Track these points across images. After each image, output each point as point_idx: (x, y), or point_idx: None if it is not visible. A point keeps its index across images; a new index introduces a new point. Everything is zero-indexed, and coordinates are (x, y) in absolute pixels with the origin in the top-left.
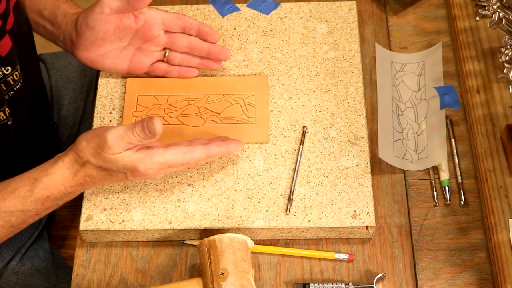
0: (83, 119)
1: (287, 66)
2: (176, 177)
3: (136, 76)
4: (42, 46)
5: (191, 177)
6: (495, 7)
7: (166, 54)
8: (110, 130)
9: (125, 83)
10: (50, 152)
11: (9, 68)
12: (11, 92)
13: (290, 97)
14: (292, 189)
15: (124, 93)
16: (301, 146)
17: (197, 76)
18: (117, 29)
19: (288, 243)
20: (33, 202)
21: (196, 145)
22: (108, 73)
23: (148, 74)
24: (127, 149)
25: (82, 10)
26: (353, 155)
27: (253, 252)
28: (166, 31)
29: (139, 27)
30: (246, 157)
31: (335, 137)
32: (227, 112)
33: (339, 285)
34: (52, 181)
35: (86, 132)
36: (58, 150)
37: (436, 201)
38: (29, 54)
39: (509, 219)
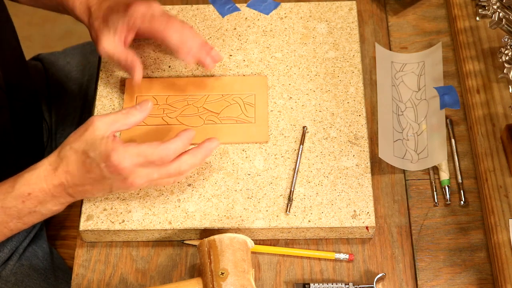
0: (82, 119)
1: (287, 66)
2: None
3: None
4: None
5: (191, 177)
6: (495, 7)
7: None
8: (97, 116)
9: (125, 83)
10: (38, 151)
11: None
12: None
13: (290, 97)
14: (292, 189)
15: (124, 92)
16: (301, 146)
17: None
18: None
19: (288, 243)
20: (13, 198)
21: (169, 140)
22: (108, 73)
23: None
24: (108, 132)
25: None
26: (353, 155)
27: (253, 252)
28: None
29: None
30: (246, 157)
31: (335, 137)
32: (226, 112)
33: (339, 285)
34: (33, 176)
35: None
36: (50, 147)
37: (436, 201)
38: (6, 39)
39: (509, 219)
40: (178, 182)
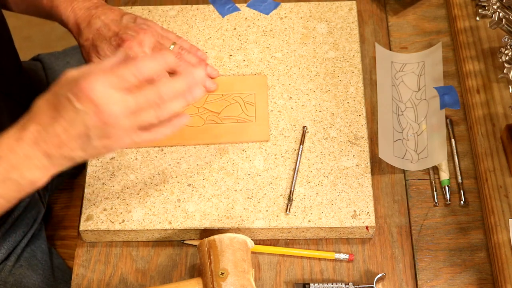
0: None
1: (287, 66)
2: (176, 177)
3: None
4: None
5: (191, 177)
6: (495, 7)
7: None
8: None
9: None
10: None
11: None
12: None
13: (290, 97)
14: (292, 189)
15: None
16: (301, 146)
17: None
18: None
19: (288, 243)
20: None
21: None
22: None
23: None
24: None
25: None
26: (353, 155)
27: (253, 252)
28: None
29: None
30: (246, 157)
31: (335, 137)
32: (226, 111)
33: (339, 285)
34: (3, 138)
35: None
36: None
37: (436, 201)
38: (1, 40)
39: (509, 219)
40: (178, 182)
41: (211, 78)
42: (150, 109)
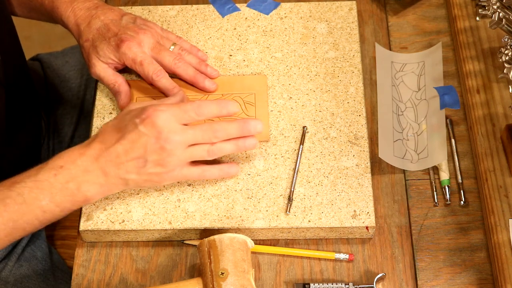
0: (81, 118)
1: (287, 66)
2: None
3: (135, 79)
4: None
5: None
6: (495, 7)
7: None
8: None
9: None
10: (35, 148)
11: None
12: None
13: (290, 97)
14: (292, 189)
15: None
16: (301, 146)
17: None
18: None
19: (288, 243)
20: (46, 171)
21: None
22: None
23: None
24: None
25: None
26: (353, 155)
27: (253, 252)
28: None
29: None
30: (246, 157)
31: (335, 137)
32: None
33: (339, 285)
34: (67, 151)
35: None
36: (47, 145)
37: (436, 201)
38: (5, 30)
39: (509, 219)
40: (178, 182)
41: (211, 78)
42: (204, 145)
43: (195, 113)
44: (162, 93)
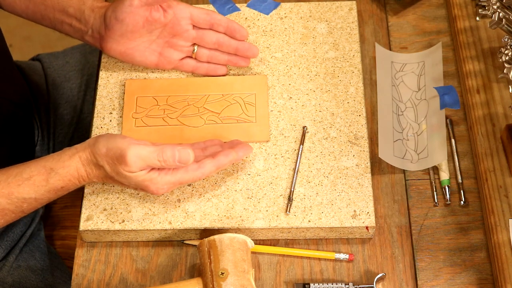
0: (81, 118)
1: (287, 66)
2: None
3: (136, 77)
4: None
5: None
6: (495, 7)
7: (195, 50)
8: (132, 146)
9: (125, 84)
10: (29, 149)
11: None
12: None
13: (290, 97)
14: (292, 189)
15: (124, 93)
16: (301, 146)
17: (225, 75)
18: (146, 22)
19: (288, 243)
20: (47, 192)
21: (204, 160)
22: (108, 73)
23: (176, 70)
24: (142, 169)
25: (110, 4)
26: (353, 155)
27: (253, 252)
28: (195, 27)
29: (168, 21)
30: (246, 157)
31: (335, 137)
32: (227, 111)
33: (339, 285)
34: (68, 174)
35: (106, 137)
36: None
37: (436, 201)
38: None
39: (509, 219)
40: None
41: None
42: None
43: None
44: (161, 92)
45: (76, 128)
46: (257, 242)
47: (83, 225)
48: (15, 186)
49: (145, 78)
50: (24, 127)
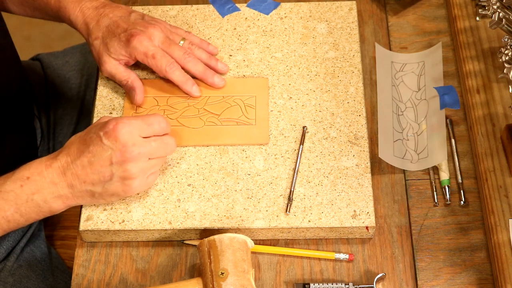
0: (80, 118)
1: (287, 66)
2: (176, 177)
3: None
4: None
5: (191, 177)
6: (495, 7)
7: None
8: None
9: None
10: (31, 149)
11: None
12: None
13: (290, 97)
14: (292, 189)
15: (124, 93)
16: (301, 146)
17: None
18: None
19: (288, 243)
20: (12, 182)
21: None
22: None
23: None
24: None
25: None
26: (353, 155)
27: (253, 252)
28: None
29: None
30: (246, 157)
31: (335, 137)
32: (226, 113)
33: (339, 285)
34: (34, 162)
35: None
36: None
37: (436, 201)
38: None
39: (509, 219)
40: (178, 182)
41: (221, 73)
42: (160, 158)
43: (159, 127)
44: (163, 93)
45: (76, 129)
46: (257, 242)
47: (83, 225)
48: None
49: (145, 79)
50: (26, 126)
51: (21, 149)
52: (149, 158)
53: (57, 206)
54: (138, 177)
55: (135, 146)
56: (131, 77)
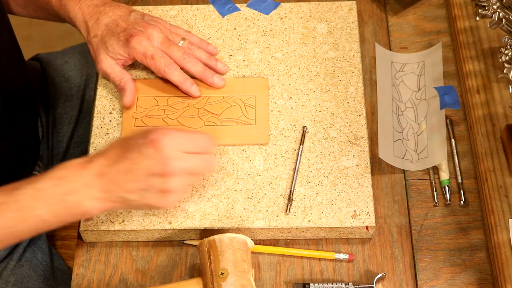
0: (80, 118)
1: (287, 66)
2: None
3: (137, 77)
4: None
5: None
6: (495, 7)
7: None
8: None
9: None
10: (34, 147)
11: None
12: None
13: (290, 97)
14: (292, 189)
15: None
16: (301, 146)
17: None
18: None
19: (288, 243)
20: (47, 180)
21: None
22: None
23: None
24: None
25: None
26: (353, 155)
27: (253, 252)
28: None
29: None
30: (246, 157)
31: (335, 137)
32: (226, 113)
33: (339, 285)
34: (69, 162)
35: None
36: (46, 145)
37: (436, 201)
38: (3, 30)
39: (509, 219)
40: None
41: (221, 73)
42: (198, 174)
43: (203, 144)
44: (163, 93)
45: (75, 128)
46: (257, 242)
47: (83, 225)
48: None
49: (146, 79)
50: (28, 126)
51: (23, 146)
52: (188, 174)
53: (92, 209)
54: (176, 192)
55: (177, 160)
56: (125, 78)
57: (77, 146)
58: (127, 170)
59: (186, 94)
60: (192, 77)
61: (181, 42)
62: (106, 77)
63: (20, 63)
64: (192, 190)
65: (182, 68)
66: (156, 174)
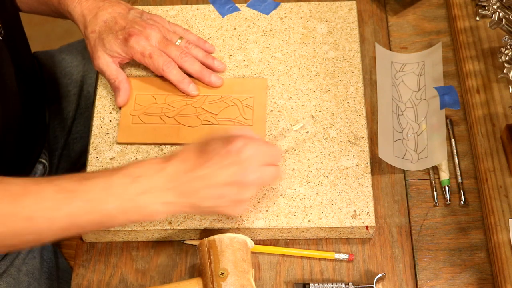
0: (77, 114)
1: (287, 66)
2: None
3: (136, 75)
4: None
5: None
6: (495, 7)
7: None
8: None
9: None
10: (41, 135)
11: None
12: None
13: (290, 97)
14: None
15: None
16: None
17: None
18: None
19: (288, 243)
20: (123, 176)
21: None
22: None
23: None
24: None
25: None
26: (353, 155)
27: (253, 252)
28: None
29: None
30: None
31: (335, 137)
32: (224, 113)
33: (339, 285)
34: (145, 161)
35: None
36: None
37: (436, 201)
38: (16, 28)
39: (509, 219)
40: None
41: (218, 72)
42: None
43: (277, 158)
44: (161, 91)
45: (73, 123)
46: (257, 242)
47: None
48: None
49: (144, 76)
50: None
51: (34, 135)
52: (261, 184)
53: (160, 212)
54: (247, 202)
55: (257, 172)
56: (120, 77)
57: (76, 141)
58: (205, 178)
59: (184, 93)
60: (190, 76)
61: (179, 41)
62: (102, 74)
63: (30, 58)
64: None
65: (180, 67)
66: (235, 183)
